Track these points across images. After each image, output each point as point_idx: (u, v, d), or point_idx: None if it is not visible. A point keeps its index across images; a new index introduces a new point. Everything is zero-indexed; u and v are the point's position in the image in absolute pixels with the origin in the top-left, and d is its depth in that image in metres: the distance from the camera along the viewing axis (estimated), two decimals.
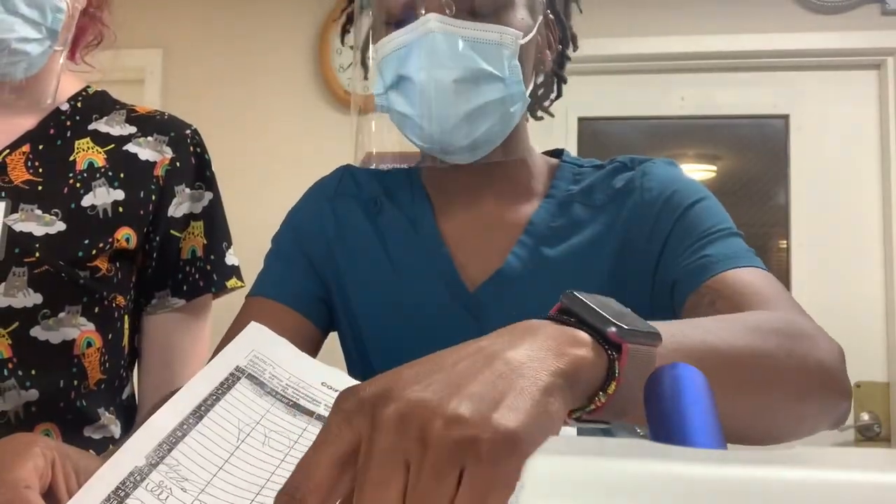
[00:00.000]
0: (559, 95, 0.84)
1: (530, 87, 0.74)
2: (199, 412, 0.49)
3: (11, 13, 0.77)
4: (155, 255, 0.90)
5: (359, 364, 0.80)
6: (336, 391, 0.55)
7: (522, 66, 0.71)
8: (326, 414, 0.52)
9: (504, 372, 0.35)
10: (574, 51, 0.82)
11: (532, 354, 0.36)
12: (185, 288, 0.92)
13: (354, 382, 0.56)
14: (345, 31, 0.84)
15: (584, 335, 0.39)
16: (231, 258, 0.96)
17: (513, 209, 0.78)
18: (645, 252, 0.72)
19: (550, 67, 0.80)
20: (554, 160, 0.83)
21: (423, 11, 0.68)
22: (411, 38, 0.68)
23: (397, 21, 0.70)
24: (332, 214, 0.82)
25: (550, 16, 0.78)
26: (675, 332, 0.45)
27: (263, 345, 0.56)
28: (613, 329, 0.39)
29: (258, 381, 0.53)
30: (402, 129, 0.73)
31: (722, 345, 0.48)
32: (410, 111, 0.69)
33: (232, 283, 0.95)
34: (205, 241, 0.93)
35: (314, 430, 0.50)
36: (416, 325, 0.74)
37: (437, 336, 0.73)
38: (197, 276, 0.92)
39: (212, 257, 0.93)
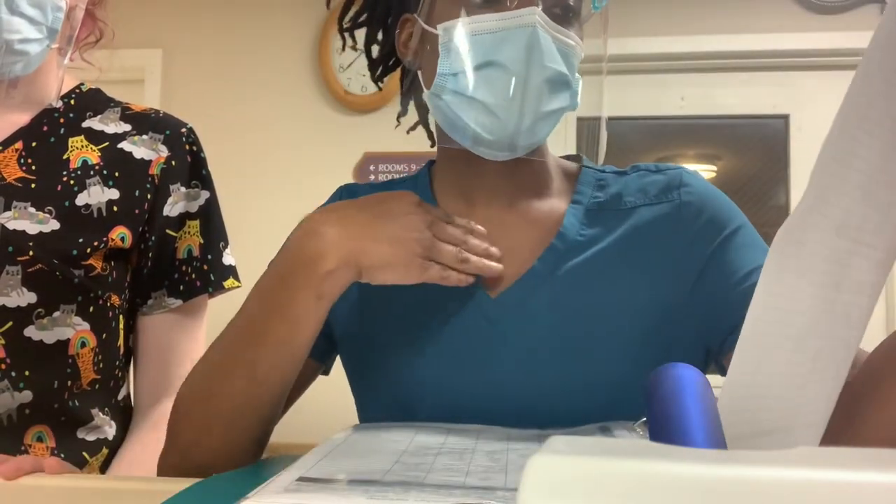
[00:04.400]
0: None
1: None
2: None
3: (15, 14, 0.77)
4: (151, 254, 0.89)
5: (370, 369, 0.78)
6: None
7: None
8: None
9: None
10: None
11: None
12: (181, 288, 0.91)
13: None
14: (344, 16, 0.81)
15: None
16: (228, 258, 0.95)
17: (535, 215, 0.75)
18: (678, 265, 0.70)
19: None
20: (571, 164, 0.81)
21: (517, 3, 0.66)
22: (508, 25, 0.66)
23: (475, 1, 0.68)
24: None
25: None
26: None
27: None
28: None
29: None
30: (461, 114, 0.69)
31: None
32: (488, 99, 0.67)
33: (229, 283, 0.95)
34: (201, 241, 0.92)
35: None
36: (431, 331, 0.72)
37: (454, 342, 0.72)
38: (193, 276, 0.92)
39: (209, 257, 0.93)
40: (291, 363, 0.66)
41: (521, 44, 0.66)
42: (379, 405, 0.74)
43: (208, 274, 0.92)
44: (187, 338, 0.93)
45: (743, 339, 0.33)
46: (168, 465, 0.69)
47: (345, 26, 0.82)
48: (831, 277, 0.31)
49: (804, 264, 0.31)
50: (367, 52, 0.83)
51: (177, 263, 0.91)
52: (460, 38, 0.68)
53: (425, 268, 0.64)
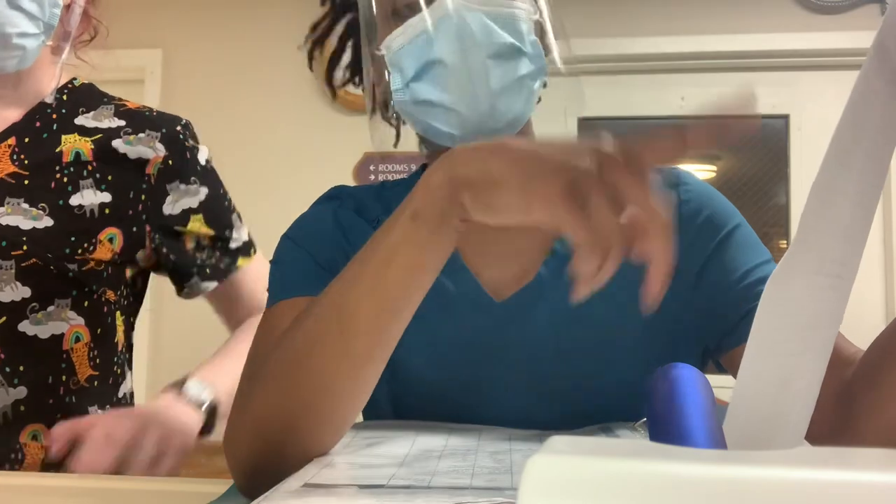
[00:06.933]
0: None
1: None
2: None
3: (14, 8, 0.78)
4: (165, 250, 0.90)
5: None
6: None
7: (540, 41, 0.70)
8: None
9: None
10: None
11: None
12: (208, 271, 0.93)
13: None
14: (322, 43, 0.81)
15: None
16: (236, 242, 0.96)
17: None
18: (678, 263, 0.70)
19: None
20: None
21: None
22: (430, 23, 0.65)
23: (404, 12, 0.68)
24: (339, 227, 0.76)
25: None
26: None
27: None
28: None
29: None
30: (428, 119, 0.69)
31: None
32: (442, 98, 0.67)
33: (251, 256, 0.99)
34: (211, 232, 0.94)
35: None
36: (435, 334, 0.71)
37: (458, 345, 0.72)
38: (214, 261, 0.94)
39: (219, 244, 0.95)
40: (380, 304, 0.51)
41: (449, 33, 0.65)
42: (381, 404, 0.74)
43: (225, 257, 0.95)
44: (249, 281, 0.97)
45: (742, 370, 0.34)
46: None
47: (336, 86, 0.83)
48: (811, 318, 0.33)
49: (790, 306, 0.33)
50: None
51: (193, 254, 0.93)
52: (397, 49, 0.68)
53: (565, 203, 0.43)
